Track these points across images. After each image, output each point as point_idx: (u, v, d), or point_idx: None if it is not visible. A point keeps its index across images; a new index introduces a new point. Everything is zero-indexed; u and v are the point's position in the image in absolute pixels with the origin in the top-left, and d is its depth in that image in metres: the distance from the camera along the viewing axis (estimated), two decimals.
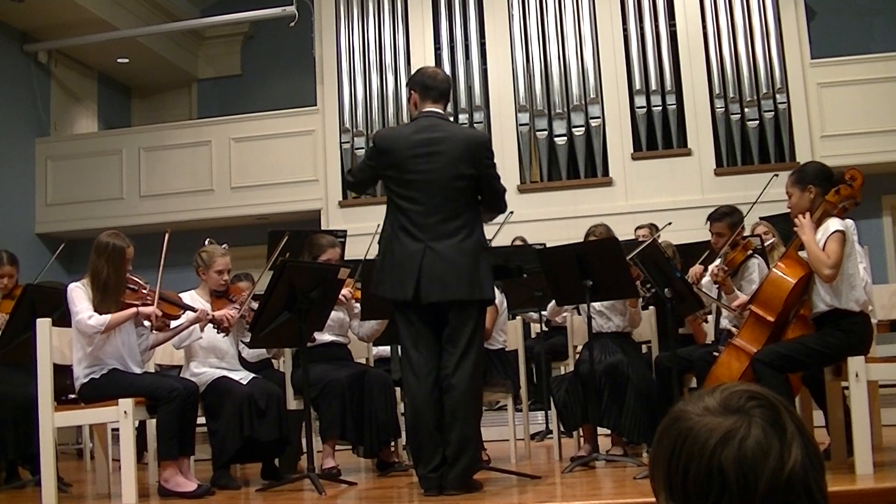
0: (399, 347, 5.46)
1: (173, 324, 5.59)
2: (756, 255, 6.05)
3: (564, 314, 6.65)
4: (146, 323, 5.37)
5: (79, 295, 5.24)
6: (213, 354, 5.79)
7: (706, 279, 6.02)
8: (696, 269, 6.03)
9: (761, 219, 6.91)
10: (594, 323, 5.93)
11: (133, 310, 5.27)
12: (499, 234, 7.62)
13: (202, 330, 5.69)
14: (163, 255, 5.45)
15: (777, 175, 6.82)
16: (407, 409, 5.02)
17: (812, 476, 1.33)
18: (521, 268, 5.58)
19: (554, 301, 6.53)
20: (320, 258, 6.07)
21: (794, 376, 4.99)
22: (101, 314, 5.20)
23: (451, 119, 11.16)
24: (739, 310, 5.52)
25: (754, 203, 6.28)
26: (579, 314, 6.44)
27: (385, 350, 7.25)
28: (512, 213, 8.06)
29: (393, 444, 6.22)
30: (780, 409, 1.36)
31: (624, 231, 7.14)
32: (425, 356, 4.88)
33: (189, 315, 5.60)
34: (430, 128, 4.98)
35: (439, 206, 4.85)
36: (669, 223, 6.74)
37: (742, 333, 5.10)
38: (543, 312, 6.91)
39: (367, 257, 6.21)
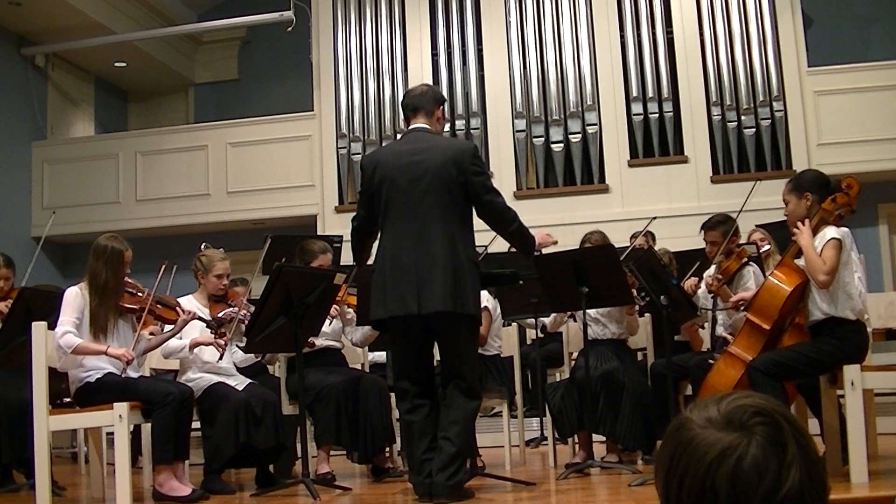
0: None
1: (167, 328, 5.59)
2: (751, 263, 6.05)
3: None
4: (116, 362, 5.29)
5: (69, 304, 5.22)
6: (209, 362, 5.78)
7: (702, 288, 6.03)
8: (691, 281, 6.03)
9: (757, 226, 6.91)
10: (590, 330, 5.93)
11: (104, 347, 5.22)
12: (496, 240, 7.60)
13: (191, 350, 5.70)
14: (156, 283, 5.41)
15: (759, 181, 6.84)
16: (402, 426, 5.02)
17: (810, 500, 1.31)
18: (517, 274, 5.57)
19: (553, 315, 6.55)
20: (312, 264, 6.07)
21: (790, 384, 4.99)
22: (98, 318, 5.19)
23: (447, 127, 11.24)
24: (736, 304, 5.54)
25: (739, 212, 6.27)
26: (575, 321, 6.44)
27: (381, 356, 7.24)
28: None
29: (388, 449, 6.21)
30: (784, 428, 1.34)
31: (620, 238, 7.14)
32: (419, 376, 4.91)
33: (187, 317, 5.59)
34: (414, 140, 5.00)
35: (428, 217, 4.82)
36: (654, 218, 6.88)
37: (737, 341, 5.09)
38: (542, 319, 6.89)
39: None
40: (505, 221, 5.03)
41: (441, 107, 5.17)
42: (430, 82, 10.94)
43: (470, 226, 4.97)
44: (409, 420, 4.88)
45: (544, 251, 5.36)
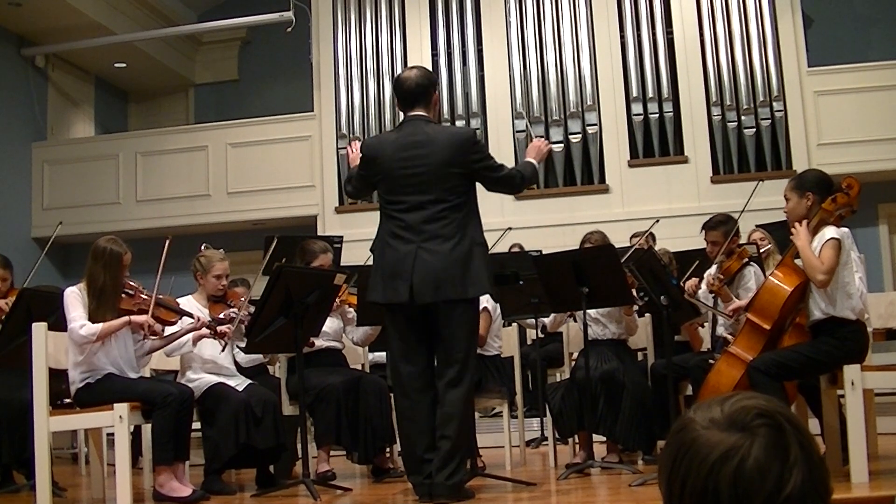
0: None
1: (170, 329, 5.58)
2: (752, 263, 6.05)
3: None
4: (139, 331, 5.35)
5: (73, 301, 5.23)
6: (209, 362, 5.78)
7: (703, 288, 6.02)
8: (692, 282, 6.02)
9: (758, 226, 6.91)
10: (590, 330, 5.93)
11: (125, 318, 5.25)
12: (496, 243, 7.62)
13: (194, 344, 5.69)
14: (162, 262, 5.44)
15: (762, 181, 6.84)
16: (399, 422, 5.00)
17: (812, 502, 1.31)
18: (517, 274, 5.58)
19: (553, 315, 6.55)
20: (312, 264, 6.07)
21: (790, 384, 4.98)
22: (96, 320, 5.19)
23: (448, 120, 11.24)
24: (735, 315, 5.52)
25: (741, 212, 6.28)
26: (575, 321, 6.44)
27: (381, 356, 7.23)
28: (510, 228, 8.09)
29: (388, 450, 6.21)
30: (787, 430, 1.34)
31: (620, 238, 7.13)
32: (417, 369, 4.88)
33: (186, 321, 5.59)
34: (413, 132, 4.97)
35: (429, 209, 4.82)
36: (658, 220, 6.88)
37: (738, 341, 5.09)
38: (542, 319, 6.89)
39: (363, 263, 6.21)
40: (514, 186, 5.23)
41: (436, 91, 5.13)
42: None
43: (473, 209, 4.96)
44: (408, 419, 4.87)
45: (545, 252, 5.36)
